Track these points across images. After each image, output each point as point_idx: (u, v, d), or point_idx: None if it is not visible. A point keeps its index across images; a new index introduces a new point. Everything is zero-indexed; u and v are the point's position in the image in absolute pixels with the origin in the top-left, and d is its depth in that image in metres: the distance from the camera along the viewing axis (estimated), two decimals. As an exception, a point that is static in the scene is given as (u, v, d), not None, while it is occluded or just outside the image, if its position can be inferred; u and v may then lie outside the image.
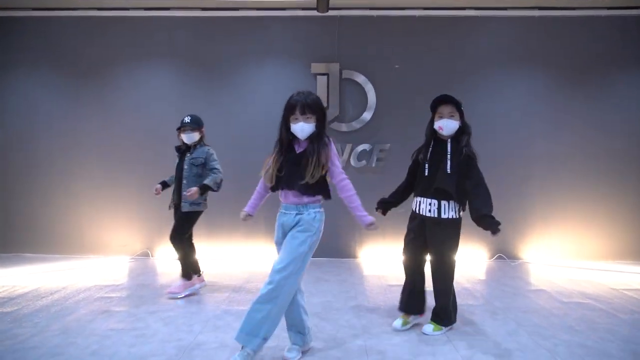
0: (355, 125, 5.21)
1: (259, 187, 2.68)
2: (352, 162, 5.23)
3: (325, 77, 5.17)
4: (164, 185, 3.99)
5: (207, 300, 3.69)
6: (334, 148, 2.53)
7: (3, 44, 5.32)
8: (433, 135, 3.05)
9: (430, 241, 3.02)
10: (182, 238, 3.83)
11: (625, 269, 4.85)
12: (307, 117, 2.44)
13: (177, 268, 3.96)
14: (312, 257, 2.54)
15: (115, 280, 4.31)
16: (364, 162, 5.24)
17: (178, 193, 3.83)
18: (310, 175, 2.40)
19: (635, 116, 5.18)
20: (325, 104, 5.14)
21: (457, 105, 2.95)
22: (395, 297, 3.46)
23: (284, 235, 2.52)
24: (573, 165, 5.22)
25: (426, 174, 2.99)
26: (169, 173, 4.01)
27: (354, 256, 5.31)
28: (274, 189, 2.56)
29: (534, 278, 4.49)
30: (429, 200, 2.98)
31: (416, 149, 3.17)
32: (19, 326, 3.04)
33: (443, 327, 3.00)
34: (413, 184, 3.15)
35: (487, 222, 2.73)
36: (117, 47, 5.31)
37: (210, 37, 5.30)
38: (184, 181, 3.79)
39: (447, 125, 2.93)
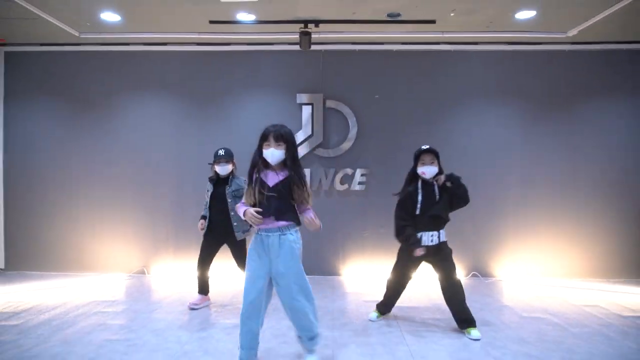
0: (338, 151, 5.57)
1: None
2: (336, 185, 5.58)
3: (310, 106, 5.57)
4: (204, 218, 4.18)
5: (195, 314, 4.02)
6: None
7: (12, 76, 5.75)
8: (415, 178, 3.61)
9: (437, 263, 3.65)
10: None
11: (593, 287, 5.13)
12: (278, 145, 2.77)
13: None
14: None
15: (113, 296, 4.64)
16: (346, 185, 5.58)
17: (224, 224, 4.06)
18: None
19: (600, 143, 5.53)
20: (310, 132, 5.55)
21: (436, 154, 3.54)
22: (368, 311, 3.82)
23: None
24: (546, 189, 5.54)
25: (417, 212, 3.56)
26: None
27: (337, 273, 5.63)
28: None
29: (503, 295, 4.80)
30: (429, 233, 3.55)
31: (402, 193, 3.67)
32: (23, 337, 3.38)
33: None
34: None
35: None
36: (117, 79, 5.72)
37: (203, 70, 5.70)
38: (232, 213, 4.04)
39: (429, 171, 3.52)
